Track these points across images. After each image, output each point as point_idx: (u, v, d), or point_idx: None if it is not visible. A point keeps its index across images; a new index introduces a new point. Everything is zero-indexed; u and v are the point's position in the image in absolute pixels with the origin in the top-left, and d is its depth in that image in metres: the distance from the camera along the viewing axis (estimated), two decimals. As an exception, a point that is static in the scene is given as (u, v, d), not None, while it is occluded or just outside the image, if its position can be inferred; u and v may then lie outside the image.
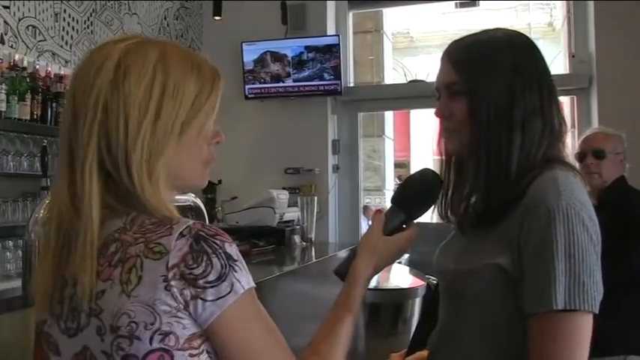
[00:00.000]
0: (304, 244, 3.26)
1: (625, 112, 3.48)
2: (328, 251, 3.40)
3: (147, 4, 4.16)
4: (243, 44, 4.30)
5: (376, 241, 1.04)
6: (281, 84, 4.29)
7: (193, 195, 2.01)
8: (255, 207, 3.25)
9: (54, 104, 3.07)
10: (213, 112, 0.87)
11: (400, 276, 3.12)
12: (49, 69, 3.17)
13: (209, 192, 3.84)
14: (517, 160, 1.00)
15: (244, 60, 4.31)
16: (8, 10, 3.08)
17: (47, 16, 3.34)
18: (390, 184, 7.42)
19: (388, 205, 1.11)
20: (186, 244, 0.75)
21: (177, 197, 0.90)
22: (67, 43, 3.48)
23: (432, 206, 1.12)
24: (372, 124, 7.27)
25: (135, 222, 0.79)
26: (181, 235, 0.76)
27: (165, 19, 4.35)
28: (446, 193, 1.13)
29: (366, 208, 5.23)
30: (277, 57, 4.28)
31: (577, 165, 2.08)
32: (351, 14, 4.58)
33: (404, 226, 1.07)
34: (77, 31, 3.56)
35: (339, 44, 4.17)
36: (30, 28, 3.23)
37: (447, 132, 1.10)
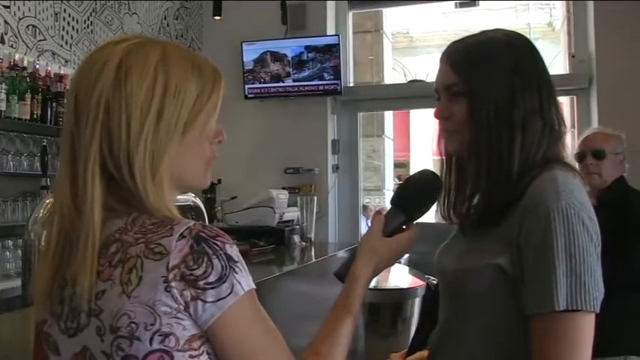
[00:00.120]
0: (304, 244, 3.26)
1: (625, 112, 3.48)
2: (328, 251, 3.40)
3: (147, 3, 4.15)
4: (243, 44, 4.30)
5: (376, 243, 1.03)
6: (281, 84, 4.28)
7: (193, 195, 2.01)
8: (254, 207, 3.25)
9: (54, 104, 3.07)
10: (215, 111, 0.87)
11: (400, 276, 3.12)
12: (49, 68, 3.17)
13: (209, 192, 3.83)
14: (518, 160, 1.00)
15: (244, 60, 4.30)
16: (8, 9, 3.08)
17: (47, 15, 3.34)
18: (390, 184, 7.40)
19: (388, 205, 1.10)
20: (186, 245, 0.75)
21: (177, 197, 0.90)
22: (67, 43, 3.48)
23: (432, 207, 1.12)
24: (372, 124, 7.25)
25: (136, 222, 0.79)
26: (182, 236, 0.76)
27: (165, 18, 4.35)
28: (448, 193, 1.13)
29: (365, 208, 5.23)
30: (277, 57, 4.27)
31: (577, 165, 2.09)
32: (350, 14, 4.58)
33: (404, 227, 1.07)
34: (77, 30, 3.56)
35: (338, 44, 4.17)
36: (30, 27, 3.22)
37: (446, 133, 1.09)
